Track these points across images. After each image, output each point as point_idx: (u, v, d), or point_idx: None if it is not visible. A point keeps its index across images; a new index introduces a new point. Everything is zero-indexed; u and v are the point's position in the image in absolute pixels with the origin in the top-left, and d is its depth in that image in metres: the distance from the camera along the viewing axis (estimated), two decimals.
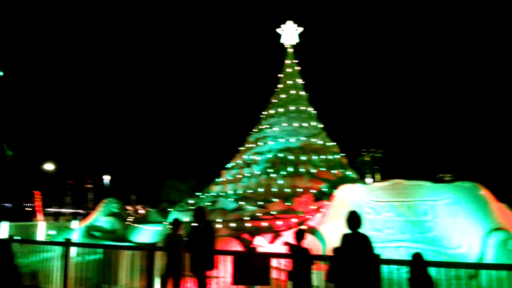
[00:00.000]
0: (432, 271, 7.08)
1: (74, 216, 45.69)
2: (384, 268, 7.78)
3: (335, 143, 21.48)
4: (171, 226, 9.51)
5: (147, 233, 16.12)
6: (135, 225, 17.13)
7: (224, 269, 8.99)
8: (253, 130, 22.52)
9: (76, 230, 16.91)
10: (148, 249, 9.82)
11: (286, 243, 7.85)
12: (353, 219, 6.68)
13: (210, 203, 17.39)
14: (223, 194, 18.98)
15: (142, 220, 18.21)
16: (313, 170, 18.72)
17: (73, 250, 10.74)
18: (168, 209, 18.35)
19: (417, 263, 6.77)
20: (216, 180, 21.21)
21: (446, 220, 11.16)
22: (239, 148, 22.32)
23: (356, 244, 6.49)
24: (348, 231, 6.71)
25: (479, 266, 8.86)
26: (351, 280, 6.33)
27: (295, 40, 23.50)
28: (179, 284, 8.90)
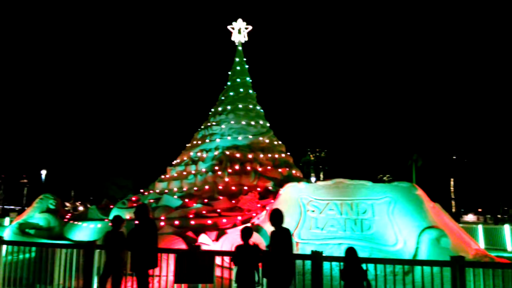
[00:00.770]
0: (370, 267, 7.34)
1: (7, 213, 43.02)
2: (326, 265, 7.96)
3: (281, 142, 21.79)
4: (112, 224, 9.20)
5: (86, 231, 15.49)
6: (74, 222, 16.40)
7: (167, 267, 8.83)
8: (201, 127, 22.32)
9: (8, 227, 15.93)
10: (86, 247, 9.43)
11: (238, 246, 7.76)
12: (276, 216, 7.30)
13: (154, 200, 17.01)
14: (168, 191, 18.65)
15: (81, 217, 17.45)
16: (260, 169, 18.86)
17: (4, 249, 10.10)
18: (110, 206, 17.73)
19: (350, 257, 7.04)
20: (161, 177, 20.81)
21: (384, 218, 11.63)
22: (186, 145, 22.03)
23: (280, 238, 7.13)
24: (273, 228, 7.38)
25: (413, 262, 9.29)
26: (275, 273, 6.87)
27: (245, 38, 23.56)
28: (119, 283, 8.62)
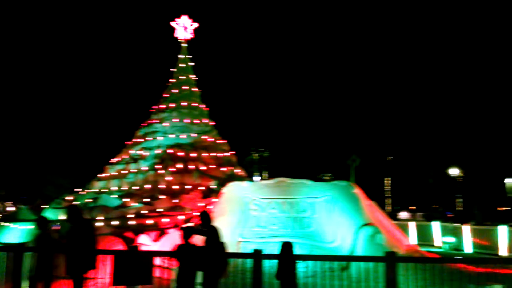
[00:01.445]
0: (310, 264, 7.50)
1: None
2: (266, 263, 8.03)
3: (225, 141, 21.73)
4: (37, 226, 8.73)
5: (16, 232, 14.57)
6: (3, 223, 15.38)
7: (104, 269, 8.51)
8: (142, 124, 21.72)
9: None
10: (15, 250, 8.86)
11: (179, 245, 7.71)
12: (204, 217, 7.69)
13: (91, 200, 16.33)
14: (106, 190, 17.98)
15: (11, 217, 16.38)
16: (203, 167, 18.70)
17: None
18: (42, 206, 16.79)
19: (284, 251, 7.20)
20: (99, 175, 20.01)
21: (323, 216, 11.95)
22: (126, 143, 21.34)
23: (210, 236, 7.51)
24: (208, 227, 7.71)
25: (350, 258, 9.62)
26: (208, 267, 7.27)
27: (190, 35, 23.23)
28: (49, 287, 8.18)
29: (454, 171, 55.59)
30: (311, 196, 12.46)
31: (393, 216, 46.63)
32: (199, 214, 8.03)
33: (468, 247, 16.98)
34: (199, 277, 7.35)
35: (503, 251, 15.27)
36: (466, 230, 17.41)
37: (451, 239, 17.65)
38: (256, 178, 64.29)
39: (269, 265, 8.38)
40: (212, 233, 7.55)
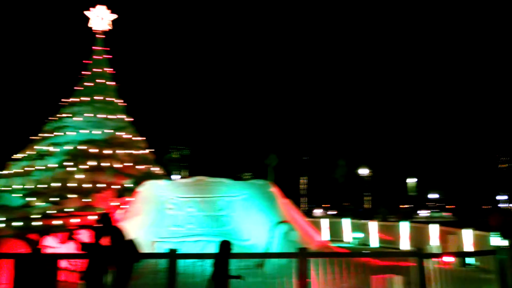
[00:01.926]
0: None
1: None
2: (181, 262, 7.90)
3: (143, 138, 21.02)
4: None
5: None
6: None
7: (3, 275, 7.80)
8: (51, 118, 20.24)
9: None
10: None
11: (81, 243, 7.30)
12: (104, 219, 7.41)
13: None
14: (9, 189, 16.51)
15: None
16: (117, 165, 17.93)
17: None
18: None
19: (223, 250, 7.13)
20: (0, 172, 18.33)
21: (241, 214, 12.08)
22: (31, 138, 19.74)
23: (113, 237, 7.29)
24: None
25: (264, 255, 9.82)
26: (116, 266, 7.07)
27: (107, 26, 22.13)
28: None
29: (363, 171, 59.32)
30: (229, 194, 12.53)
31: (308, 213, 48.62)
32: (99, 216, 7.65)
33: (374, 242, 18.19)
34: (109, 278, 7.04)
35: (404, 245, 16.57)
36: (373, 226, 18.65)
37: (359, 235, 18.79)
38: (176, 176, 63.30)
39: (184, 265, 8.26)
40: (115, 233, 7.29)
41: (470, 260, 12.50)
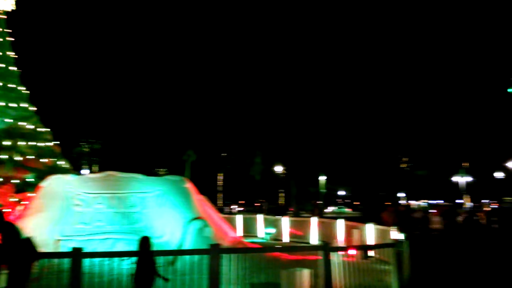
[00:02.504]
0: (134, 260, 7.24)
1: None
2: (87, 262, 7.50)
3: (48, 129, 19.60)
4: None
5: None
6: None
7: None
8: None
9: None
10: None
11: None
12: None
13: None
14: None
15: None
16: (18, 158, 16.54)
17: None
18: None
19: (143, 246, 6.84)
20: None
21: (154, 211, 11.77)
22: None
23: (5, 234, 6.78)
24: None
25: (176, 252, 9.66)
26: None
27: (10, 6, 20.26)
28: None
29: (278, 168, 61.08)
30: (141, 190, 12.13)
31: (222, 209, 48.93)
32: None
33: (285, 237, 18.79)
34: (2, 278, 6.47)
35: (313, 240, 17.34)
36: (285, 221, 19.26)
37: (272, 230, 19.30)
38: (85, 171, 59.92)
39: (90, 265, 7.86)
40: (8, 230, 6.72)
41: (371, 253, 13.44)
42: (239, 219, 20.83)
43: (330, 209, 66.36)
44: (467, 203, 64.80)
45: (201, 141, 64.14)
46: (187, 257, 8.52)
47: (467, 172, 69.38)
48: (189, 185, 12.83)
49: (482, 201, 66.70)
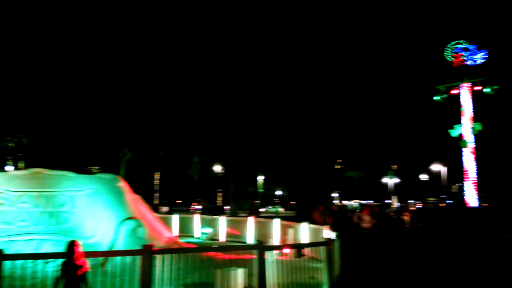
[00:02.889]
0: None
1: None
2: (7, 264, 7.01)
3: None
4: None
5: None
6: None
7: None
8: None
9: None
10: None
11: None
12: None
13: None
14: None
15: None
16: None
17: None
18: None
19: (70, 250, 6.47)
20: None
21: (84, 210, 11.28)
22: None
23: None
24: None
25: (106, 253, 9.33)
26: None
27: None
28: None
29: (217, 168, 60.94)
30: (71, 189, 11.58)
31: (163, 210, 47.91)
32: None
33: (222, 237, 18.78)
34: None
35: (250, 239, 17.47)
36: (222, 221, 19.26)
37: (209, 230, 19.20)
38: (9, 168, 56.02)
39: (12, 267, 7.36)
40: None
41: (305, 251, 13.80)
42: (175, 218, 20.50)
43: (263, 209, 67.44)
44: (395, 203, 68.62)
45: (137, 139, 62.28)
46: (118, 258, 8.24)
47: (395, 174, 73.52)
48: (122, 184, 12.43)
49: (408, 201, 70.94)
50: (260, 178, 70.84)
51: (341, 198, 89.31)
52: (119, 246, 10.71)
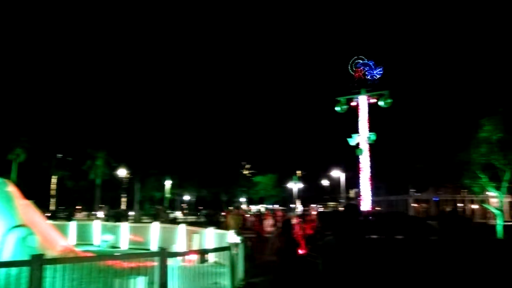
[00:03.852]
0: None
1: None
2: None
3: None
4: None
5: None
6: None
7: None
8: None
9: None
10: None
11: None
12: None
13: None
14: None
15: None
16: None
17: None
18: None
19: None
20: None
21: None
22: None
23: None
24: None
25: None
26: None
27: None
28: None
29: (121, 172, 58.40)
30: None
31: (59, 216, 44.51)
32: None
33: (124, 244, 18.02)
34: None
35: (154, 246, 16.98)
36: (124, 228, 18.49)
37: (110, 237, 18.30)
38: None
39: None
40: None
41: (210, 257, 13.79)
42: (72, 226, 19.25)
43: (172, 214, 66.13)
44: (299, 207, 71.56)
45: (32, 139, 57.20)
46: (2, 270, 7.50)
47: (299, 179, 76.76)
48: (12, 189, 11.38)
49: (311, 205, 74.48)
50: (168, 183, 69.33)
51: (249, 203, 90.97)
52: (6, 257, 9.77)
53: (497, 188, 25.75)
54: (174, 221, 29.72)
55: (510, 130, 23.68)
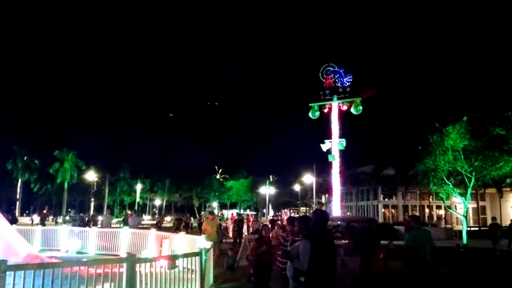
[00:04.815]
0: None
1: None
2: None
3: None
4: None
5: None
6: None
7: None
8: None
9: None
10: None
11: None
12: None
13: None
14: None
15: None
16: None
17: None
18: None
19: None
20: None
21: None
22: None
23: None
24: None
25: None
26: None
27: None
28: None
29: (91, 175, 57.10)
30: None
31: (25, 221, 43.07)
32: None
33: (92, 250, 17.58)
34: None
35: (123, 252, 16.61)
36: (92, 233, 18.05)
37: (77, 243, 17.81)
38: None
39: None
40: None
41: (179, 262, 13.62)
42: (38, 231, 18.66)
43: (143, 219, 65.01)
44: (271, 212, 71.78)
45: None
46: None
47: (271, 184, 76.95)
48: None
49: (283, 210, 74.78)
50: (139, 187, 68.25)
51: (221, 207, 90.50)
52: None
53: (462, 195, 26.58)
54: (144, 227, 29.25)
55: (474, 138, 24.51)
